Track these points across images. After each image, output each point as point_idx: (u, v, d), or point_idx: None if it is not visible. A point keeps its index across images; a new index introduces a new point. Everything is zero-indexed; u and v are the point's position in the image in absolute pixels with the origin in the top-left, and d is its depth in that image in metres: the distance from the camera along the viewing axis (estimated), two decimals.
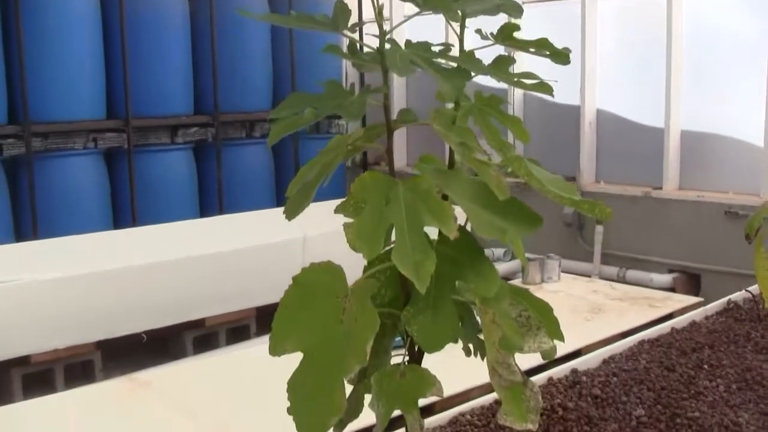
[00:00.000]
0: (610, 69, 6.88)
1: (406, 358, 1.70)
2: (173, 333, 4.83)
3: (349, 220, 1.72)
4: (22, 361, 4.36)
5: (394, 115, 1.65)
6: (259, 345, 4.33)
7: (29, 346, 4.34)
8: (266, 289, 4.95)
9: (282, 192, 6.55)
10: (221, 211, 6.88)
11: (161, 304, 4.67)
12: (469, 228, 1.64)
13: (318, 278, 1.54)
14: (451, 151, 1.76)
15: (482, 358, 1.83)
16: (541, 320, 1.73)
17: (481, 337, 1.72)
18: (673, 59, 6.35)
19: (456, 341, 1.65)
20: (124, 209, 6.62)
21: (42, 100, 6.23)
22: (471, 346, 1.82)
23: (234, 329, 5.04)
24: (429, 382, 1.59)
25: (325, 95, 1.55)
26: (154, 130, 6.89)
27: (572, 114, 7.00)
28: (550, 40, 1.78)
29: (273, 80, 7.51)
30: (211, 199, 7.09)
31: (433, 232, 1.58)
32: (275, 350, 1.55)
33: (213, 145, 7.14)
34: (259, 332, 5.02)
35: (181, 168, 6.95)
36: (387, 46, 1.54)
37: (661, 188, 6.52)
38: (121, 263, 4.68)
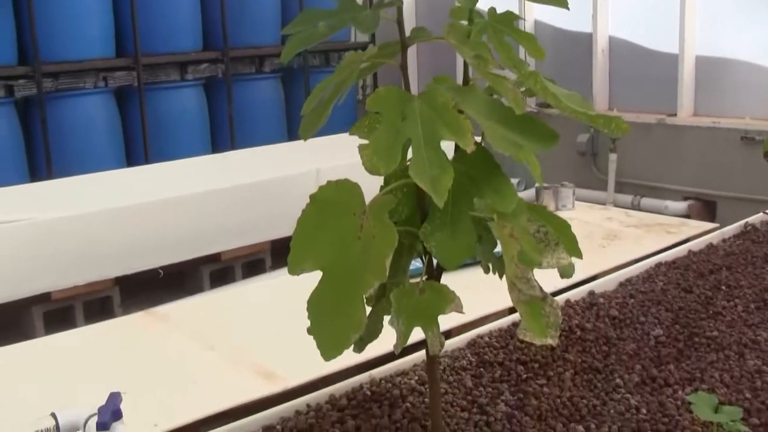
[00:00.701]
0: None
1: (425, 276, 1.70)
2: (190, 268, 4.85)
3: (365, 141, 1.72)
4: (43, 298, 4.39)
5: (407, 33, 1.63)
6: (275, 277, 4.35)
7: (49, 283, 4.37)
8: (281, 222, 4.96)
9: (293, 126, 6.53)
10: (233, 146, 6.86)
11: (177, 240, 4.69)
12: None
13: (335, 196, 1.54)
14: (465, 68, 1.74)
15: (500, 277, 1.83)
16: (559, 236, 1.73)
17: (499, 251, 1.72)
18: None
19: (474, 258, 1.65)
20: (137, 147, 6.61)
21: (51, 41, 6.18)
22: (489, 264, 1.82)
23: (249, 263, 5.06)
24: (448, 298, 1.60)
25: (338, 10, 1.53)
26: (164, 68, 6.85)
27: (584, 41, 6.92)
28: None
29: (282, 14, 7.43)
30: (223, 134, 7.07)
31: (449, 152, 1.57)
32: (294, 269, 1.55)
33: (223, 80, 7.09)
34: (275, 265, 5.03)
35: (191, 105, 6.91)
36: None
37: (675, 115, 6.46)
38: (136, 200, 4.69)
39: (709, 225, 4.39)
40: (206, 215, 4.79)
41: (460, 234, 1.57)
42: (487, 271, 1.80)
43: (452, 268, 1.58)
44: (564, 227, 1.76)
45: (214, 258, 4.88)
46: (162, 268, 4.66)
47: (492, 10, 1.69)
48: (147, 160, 6.36)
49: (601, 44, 6.85)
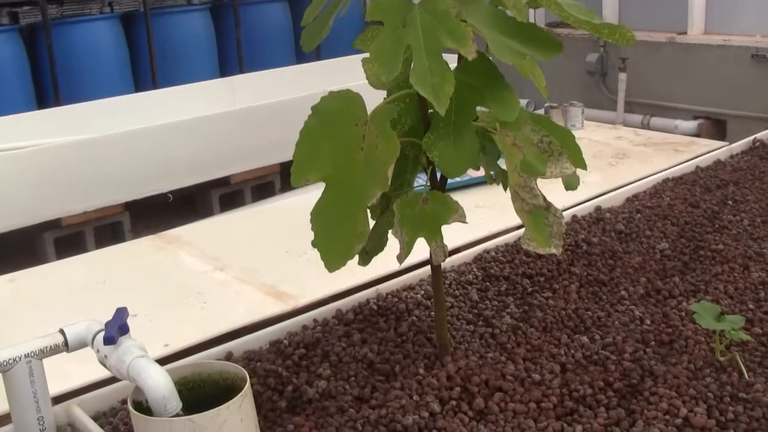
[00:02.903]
0: None
1: (428, 185, 1.71)
2: (199, 192, 4.87)
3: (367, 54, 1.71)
4: (54, 224, 4.43)
5: None
6: (285, 199, 4.36)
7: (59, 209, 4.40)
8: (290, 144, 4.92)
9: (301, 48, 6.44)
10: (241, 70, 6.81)
11: (186, 164, 4.70)
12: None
13: (337, 106, 1.54)
14: None
15: (504, 189, 1.84)
16: (563, 146, 1.73)
17: (503, 165, 1.72)
18: None
19: (477, 166, 1.65)
20: (144, 73, 6.58)
21: None
22: (492, 174, 1.82)
23: (259, 186, 5.08)
24: (452, 207, 1.60)
25: None
26: None
27: None
28: None
29: None
30: (231, 58, 7.03)
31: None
32: (297, 180, 1.56)
33: (230, 4, 7.03)
34: (284, 188, 5.05)
35: (198, 29, 6.86)
36: None
37: (686, 33, 6.38)
38: (144, 124, 4.69)
39: (719, 143, 4.37)
40: (215, 139, 4.79)
41: (463, 143, 1.57)
42: (491, 181, 1.81)
43: (455, 176, 1.59)
44: (568, 137, 1.76)
45: (223, 181, 4.90)
46: (171, 192, 4.68)
47: None
48: (155, 86, 6.33)
49: None
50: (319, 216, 1.55)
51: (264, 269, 2.85)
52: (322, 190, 1.57)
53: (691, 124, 6.25)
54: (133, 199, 4.58)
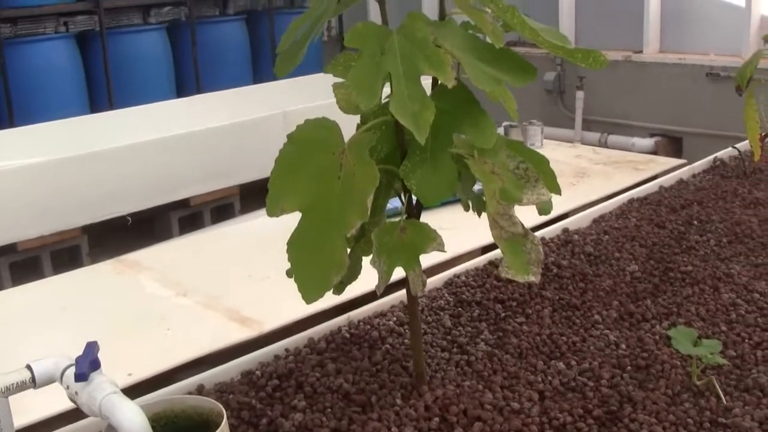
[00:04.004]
0: None
1: (405, 215, 1.68)
2: (158, 214, 4.79)
3: (339, 79, 1.69)
4: (9, 249, 4.33)
5: None
6: (245, 221, 4.31)
7: (15, 233, 4.30)
8: (248, 166, 4.92)
9: (259, 68, 6.43)
10: (199, 90, 6.76)
11: (145, 186, 4.62)
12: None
13: (313, 134, 1.51)
14: (441, 3, 1.71)
15: (479, 215, 1.82)
16: (539, 172, 1.71)
17: (478, 189, 1.71)
18: None
19: (454, 194, 1.63)
20: (100, 93, 6.49)
21: None
22: (469, 202, 1.81)
23: (218, 208, 5.01)
24: (430, 236, 1.58)
25: None
26: (126, 11, 6.73)
27: None
28: None
29: None
30: (188, 78, 6.96)
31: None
32: (273, 211, 1.52)
33: (187, 23, 6.98)
34: (244, 210, 4.99)
35: (155, 48, 6.79)
36: None
37: (641, 51, 6.45)
38: (101, 146, 4.61)
39: (677, 161, 4.41)
40: (173, 160, 4.72)
41: (440, 170, 1.55)
42: (467, 208, 1.79)
43: (433, 203, 1.57)
44: (543, 163, 1.75)
45: (182, 203, 4.83)
46: (130, 215, 4.60)
47: None
48: (111, 106, 6.24)
49: None
50: (295, 246, 1.52)
51: (227, 294, 2.81)
52: (292, 219, 1.54)
53: (648, 142, 6.31)
54: (91, 222, 4.50)
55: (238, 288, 2.86)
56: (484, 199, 1.60)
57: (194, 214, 4.92)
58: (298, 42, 1.57)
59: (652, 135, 6.38)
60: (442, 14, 1.72)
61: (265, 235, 1.54)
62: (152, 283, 2.98)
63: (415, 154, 1.56)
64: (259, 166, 4.86)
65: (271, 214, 1.53)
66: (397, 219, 1.65)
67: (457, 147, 1.60)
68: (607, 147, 6.17)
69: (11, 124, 5.79)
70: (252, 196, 4.91)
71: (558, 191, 1.75)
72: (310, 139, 1.51)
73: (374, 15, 1.45)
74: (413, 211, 1.68)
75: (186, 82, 6.96)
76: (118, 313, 2.74)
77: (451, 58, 1.50)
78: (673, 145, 6.34)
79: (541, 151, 4.71)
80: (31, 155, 4.45)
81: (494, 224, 1.57)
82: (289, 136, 1.51)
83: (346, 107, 1.67)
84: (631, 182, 3.90)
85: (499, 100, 1.68)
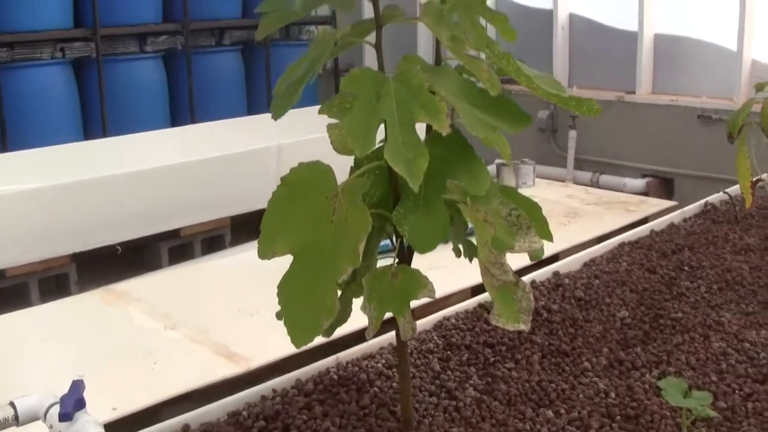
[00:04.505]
0: None
1: (396, 260, 1.67)
2: (148, 244, 4.77)
3: (333, 121, 1.68)
4: None
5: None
6: (235, 254, 4.30)
7: (3, 259, 4.27)
8: (241, 198, 4.91)
9: (253, 99, 6.43)
10: (193, 120, 6.77)
11: (136, 215, 4.61)
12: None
13: (306, 178, 1.51)
14: (437, 48, 1.71)
15: (470, 260, 1.81)
16: (531, 219, 1.71)
17: (470, 238, 1.70)
18: None
19: (447, 241, 1.62)
20: (94, 120, 6.49)
21: (7, 10, 6.04)
22: (461, 247, 1.80)
23: (209, 239, 4.99)
24: (421, 283, 1.57)
25: None
26: (123, 39, 6.74)
27: (545, 18, 6.90)
28: None
29: None
30: (182, 108, 6.97)
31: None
32: (264, 253, 1.51)
33: (183, 53, 6.99)
34: (234, 242, 4.97)
35: (150, 77, 6.81)
36: None
37: (634, 92, 6.48)
38: (94, 174, 4.60)
39: (668, 203, 4.42)
40: (165, 190, 4.71)
41: (433, 217, 1.55)
42: (458, 254, 1.78)
43: (426, 251, 1.56)
44: (535, 209, 1.75)
45: (173, 234, 4.81)
46: (120, 244, 4.58)
47: None
48: (105, 133, 6.24)
49: (561, 21, 6.84)
50: (286, 289, 1.51)
51: (215, 328, 2.80)
52: (291, 262, 1.54)
53: (640, 182, 6.33)
54: (81, 250, 4.48)
55: (226, 322, 2.85)
56: (475, 243, 1.60)
57: (184, 245, 4.90)
58: (294, 84, 1.57)
59: (643, 175, 6.41)
60: (438, 59, 1.72)
61: (256, 269, 1.53)
62: (140, 315, 2.97)
63: (408, 199, 1.55)
64: (251, 198, 4.86)
65: (262, 256, 1.52)
66: (389, 256, 1.64)
67: (450, 193, 1.60)
68: (599, 186, 6.19)
69: (4, 148, 5.78)
70: (243, 228, 4.90)
71: (549, 238, 1.75)
72: (303, 182, 1.51)
73: (369, 57, 1.44)
74: (405, 256, 1.67)
75: (180, 111, 6.96)
76: (105, 344, 2.72)
77: (446, 104, 1.50)
78: (664, 186, 6.36)
79: (533, 190, 4.76)
80: (22, 181, 4.43)
81: (486, 272, 1.57)
82: (283, 179, 1.51)
83: (341, 148, 1.67)
84: (623, 223, 3.91)
85: (492, 146, 1.69)
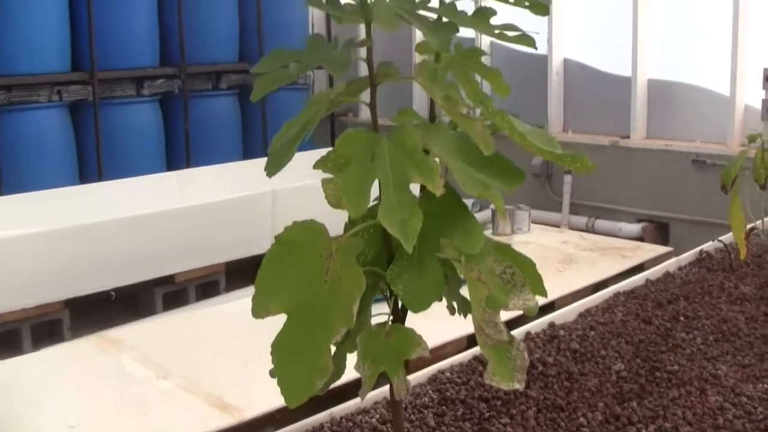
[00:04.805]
0: (577, 18, 6.82)
1: (390, 317, 1.67)
2: (142, 289, 4.76)
3: (327, 175, 1.69)
4: None
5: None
6: (230, 301, 4.29)
7: None
8: (236, 243, 4.91)
9: (249, 144, 6.48)
10: (188, 163, 6.77)
11: (130, 260, 4.59)
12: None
13: (300, 237, 1.50)
14: (431, 105, 1.72)
15: (464, 317, 1.81)
16: (525, 276, 1.71)
17: (465, 294, 1.70)
18: (640, 7, 6.30)
19: (441, 300, 1.62)
20: (90, 162, 6.48)
21: (5, 53, 6.07)
22: (455, 304, 1.79)
23: (204, 285, 4.98)
24: (415, 341, 1.57)
25: (308, 50, 1.50)
26: (120, 83, 6.76)
27: (539, 63, 6.94)
28: None
29: (240, 31, 7.38)
30: (179, 151, 6.97)
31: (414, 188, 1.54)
32: (258, 312, 1.51)
33: (179, 96, 7.01)
34: (229, 288, 4.96)
35: (147, 120, 6.82)
36: None
37: (628, 137, 6.50)
38: (88, 219, 4.59)
39: (663, 249, 4.43)
40: (160, 236, 4.71)
41: (427, 276, 1.54)
42: (453, 312, 1.78)
43: (420, 310, 1.55)
44: (529, 266, 1.75)
45: (167, 279, 4.80)
46: (114, 289, 4.57)
47: (458, 45, 1.67)
48: (101, 176, 6.24)
49: (555, 66, 6.88)
50: (279, 348, 1.50)
51: (209, 377, 2.79)
52: (285, 321, 1.53)
53: (635, 227, 6.33)
54: (74, 296, 4.46)
55: (220, 371, 2.84)
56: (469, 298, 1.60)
57: (179, 291, 4.88)
58: (289, 142, 1.57)
59: (639, 220, 6.41)
60: (432, 116, 1.73)
61: (250, 317, 1.52)
62: (133, 363, 2.96)
63: (402, 258, 1.55)
64: (246, 245, 4.86)
65: (256, 315, 1.51)
66: (384, 313, 1.64)
67: (444, 250, 1.59)
68: (595, 231, 6.20)
69: (0, 191, 5.78)
70: (238, 274, 4.89)
71: (544, 294, 1.75)
72: (297, 241, 1.50)
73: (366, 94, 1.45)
74: (399, 314, 1.67)
75: (176, 154, 6.97)
76: (97, 393, 2.71)
77: (441, 163, 1.50)
78: (659, 230, 6.37)
79: (528, 237, 4.76)
80: (16, 226, 4.43)
81: (480, 331, 1.56)
82: (277, 238, 1.51)
83: (336, 203, 1.66)
84: (618, 270, 3.92)
85: (487, 199, 1.69)
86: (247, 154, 7.21)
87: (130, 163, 6.40)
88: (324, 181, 1.69)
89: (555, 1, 6.76)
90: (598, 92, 6.78)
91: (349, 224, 1.67)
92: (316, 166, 1.70)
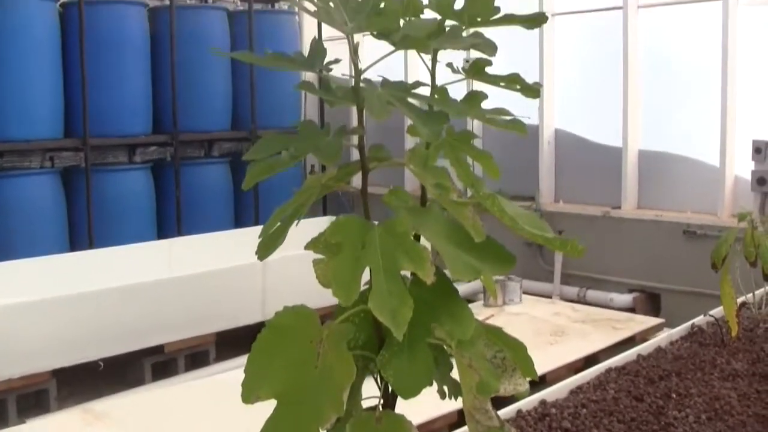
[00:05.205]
0: (568, 89, 6.89)
1: (381, 402, 1.66)
2: (131, 359, 4.73)
3: (318, 256, 1.69)
4: None
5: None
6: (219, 373, 4.26)
7: None
8: (226, 313, 4.89)
9: (241, 211, 6.48)
10: (179, 231, 6.78)
11: (119, 330, 4.57)
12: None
13: (291, 322, 1.50)
14: (423, 189, 1.73)
15: (455, 399, 1.80)
16: (516, 360, 1.70)
17: (455, 377, 1.69)
18: (630, 79, 6.38)
19: (431, 385, 1.61)
20: (81, 229, 6.48)
21: None
22: (445, 388, 1.78)
23: (193, 355, 4.94)
24: (405, 428, 1.55)
25: (300, 136, 1.51)
26: (112, 150, 6.81)
27: (531, 134, 6.99)
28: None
29: (232, 100, 7.44)
30: (170, 219, 6.98)
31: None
32: (248, 398, 1.49)
33: (171, 164, 7.04)
34: (219, 358, 4.93)
35: (139, 187, 6.84)
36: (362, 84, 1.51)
37: (619, 207, 6.54)
38: (77, 289, 4.58)
39: (655, 320, 4.43)
40: (149, 305, 4.69)
41: (417, 362, 1.54)
42: (443, 396, 1.76)
43: (410, 396, 1.54)
44: (520, 349, 1.74)
45: (156, 349, 4.76)
46: (102, 359, 4.53)
47: (450, 128, 1.68)
48: (91, 244, 6.23)
49: (547, 137, 6.94)
50: None
51: None
52: (274, 406, 1.52)
53: (626, 298, 6.33)
54: (61, 366, 4.42)
55: None
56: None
57: (168, 361, 4.85)
58: (280, 227, 1.57)
59: (630, 290, 6.41)
60: (424, 200, 1.73)
61: (239, 390, 1.51)
62: None
63: (392, 344, 1.54)
64: (236, 315, 4.85)
65: (246, 401, 1.50)
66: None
67: (435, 336, 1.59)
68: (586, 301, 6.20)
69: None
70: (228, 344, 4.87)
71: (534, 376, 1.74)
72: (287, 326, 1.50)
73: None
74: (389, 399, 1.66)
75: (167, 222, 6.98)
76: None
77: (431, 247, 1.51)
78: (651, 301, 6.36)
79: (520, 308, 4.75)
80: (3, 294, 4.41)
81: (470, 417, 1.55)
82: (268, 323, 1.50)
83: (326, 283, 1.66)
84: (610, 342, 3.91)
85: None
86: (239, 221, 7.23)
87: (121, 229, 6.41)
88: (315, 262, 1.69)
89: (546, 72, 6.85)
90: (589, 162, 6.83)
91: (340, 310, 1.67)
92: (307, 247, 1.70)
